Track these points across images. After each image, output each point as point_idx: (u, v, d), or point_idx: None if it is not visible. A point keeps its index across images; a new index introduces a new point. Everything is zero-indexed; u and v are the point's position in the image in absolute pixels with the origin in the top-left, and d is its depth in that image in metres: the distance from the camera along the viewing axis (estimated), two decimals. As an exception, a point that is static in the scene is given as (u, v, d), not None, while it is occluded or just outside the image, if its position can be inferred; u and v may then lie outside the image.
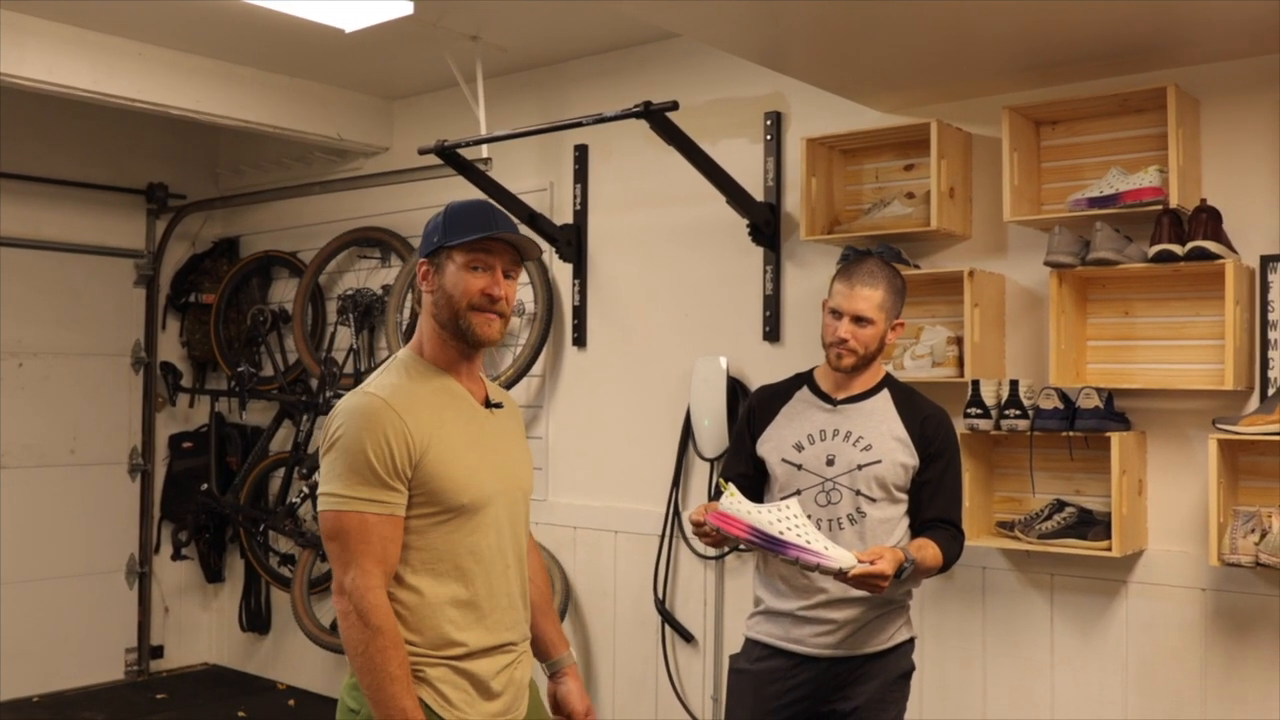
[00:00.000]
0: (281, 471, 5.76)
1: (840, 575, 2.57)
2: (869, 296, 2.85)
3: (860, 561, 2.58)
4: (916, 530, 2.86)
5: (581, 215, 4.70)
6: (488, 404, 2.33)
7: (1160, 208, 3.22)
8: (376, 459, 2.10)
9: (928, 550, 2.76)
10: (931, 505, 2.86)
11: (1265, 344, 3.25)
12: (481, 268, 2.22)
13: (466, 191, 4.70)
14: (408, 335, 5.12)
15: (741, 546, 3.74)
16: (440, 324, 2.25)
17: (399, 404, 2.15)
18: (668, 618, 4.39)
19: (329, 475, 2.14)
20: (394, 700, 2.07)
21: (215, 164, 6.36)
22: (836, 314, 2.88)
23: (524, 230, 4.60)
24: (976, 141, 3.74)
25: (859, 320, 2.85)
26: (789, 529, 2.56)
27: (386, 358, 5.15)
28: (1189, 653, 3.36)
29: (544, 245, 4.72)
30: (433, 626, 2.17)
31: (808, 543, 2.56)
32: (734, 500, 2.61)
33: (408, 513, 2.16)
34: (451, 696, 2.18)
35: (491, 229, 2.22)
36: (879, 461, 2.83)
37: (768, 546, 2.59)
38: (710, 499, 3.53)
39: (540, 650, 2.49)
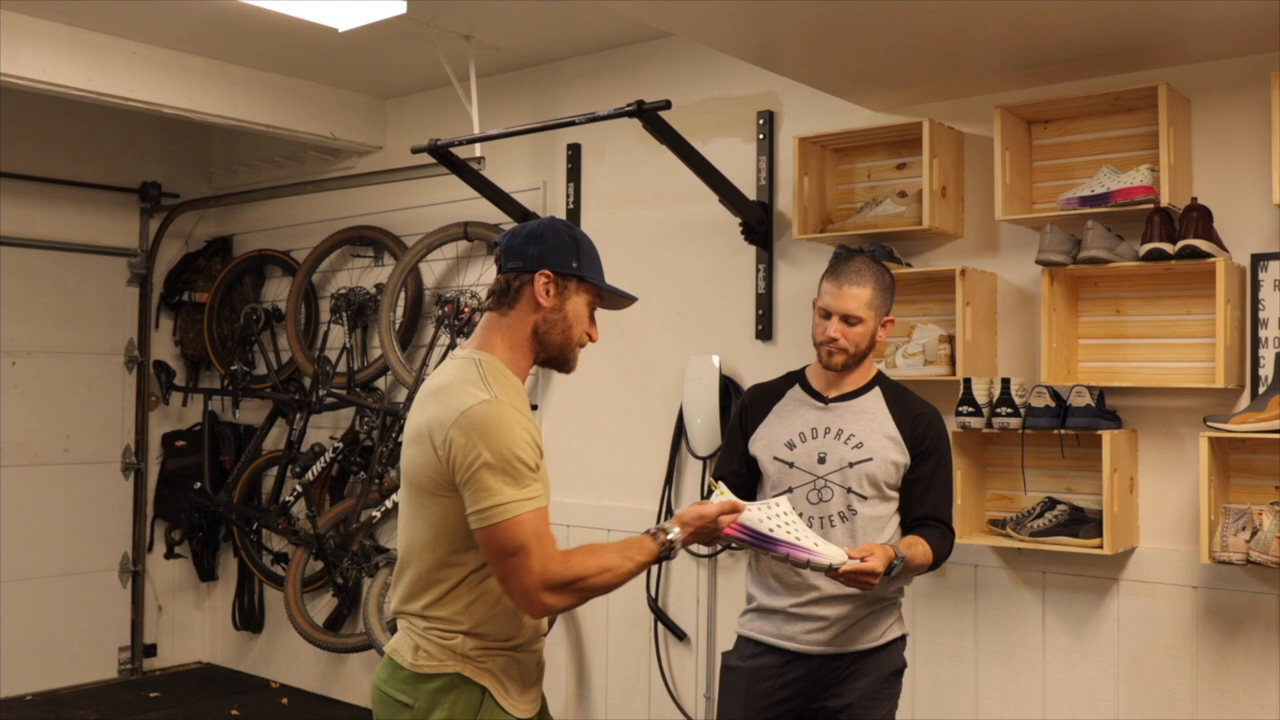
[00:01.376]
0: (275, 470, 5.76)
1: (831, 572, 2.58)
2: (857, 295, 2.86)
3: (851, 558, 2.59)
4: (907, 528, 2.87)
5: (574, 214, 4.70)
6: None
7: (1151, 206, 3.23)
8: (528, 459, 2.13)
9: (918, 548, 2.77)
10: (922, 503, 2.87)
11: (1256, 342, 3.26)
12: (594, 310, 2.34)
13: (460, 191, 4.72)
14: (402, 333, 5.15)
15: (733, 545, 3.75)
16: (541, 340, 2.28)
17: (521, 409, 2.20)
18: (660, 616, 4.39)
19: (492, 489, 2.09)
20: (636, 567, 2.21)
21: (209, 163, 6.36)
22: (825, 313, 2.89)
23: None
24: (968, 140, 3.75)
25: (848, 319, 2.86)
26: (779, 526, 2.57)
27: (380, 356, 5.21)
28: (1180, 650, 3.37)
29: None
30: (497, 617, 2.21)
31: (797, 540, 2.56)
32: (724, 497, 2.61)
33: None
34: (510, 688, 2.22)
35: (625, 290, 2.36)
36: (870, 459, 2.84)
37: (758, 544, 2.60)
38: (703, 497, 3.53)
39: None
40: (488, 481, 2.08)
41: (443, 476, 2.14)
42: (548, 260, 2.24)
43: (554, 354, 2.30)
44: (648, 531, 2.29)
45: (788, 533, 2.57)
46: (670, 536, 2.27)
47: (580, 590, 2.15)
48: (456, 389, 2.16)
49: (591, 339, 2.33)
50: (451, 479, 2.12)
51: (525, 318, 2.26)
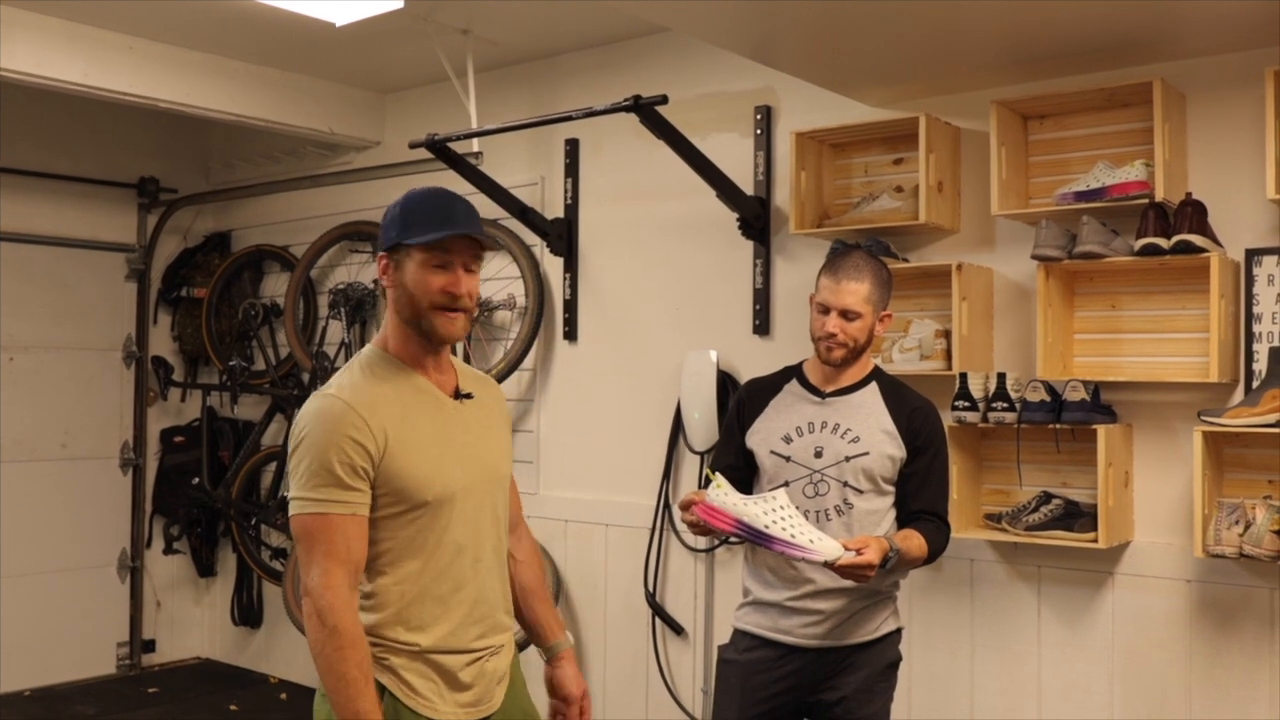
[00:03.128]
0: (273, 466, 5.77)
1: (827, 564, 2.59)
2: (855, 290, 2.86)
3: (847, 550, 2.60)
4: (903, 522, 2.88)
5: (572, 209, 4.71)
6: (457, 395, 2.31)
7: (1146, 201, 3.24)
8: (337, 461, 2.09)
9: (913, 541, 2.78)
10: (918, 497, 2.89)
11: (1250, 337, 3.27)
12: (442, 265, 2.19)
13: (458, 186, 4.70)
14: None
15: (731, 540, 3.76)
16: (403, 320, 2.23)
17: (359, 404, 2.14)
18: (658, 610, 4.41)
19: (293, 479, 2.14)
20: (349, 703, 2.05)
21: (207, 158, 6.36)
22: (824, 309, 2.89)
23: (518, 221, 4.64)
24: (965, 135, 3.76)
25: (846, 314, 2.87)
26: (775, 522, 2.58)
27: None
28: (1174, 643, 3.38)
29: (535, 239, 4.73)
30: (401, 619, 2.18)
31: (792, 537, 2.57)
32: (721, 492, 2.62)
33: (376, 511, 2.15)
34: (419, 687, 2.18)
35: (450, 226, 2.18)
36: (866, 454, 2.85)
37: (754, 540, 2.61)
38: (700, 488, 3.54)
39: (536, 635, 2.49)
40: (293, 473, 2.13)
41: None
42: (381, 245, 2.25)
43: (416, 328, 2.21)
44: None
45: (783, 529, 2.58)
46: None
47: (320, 637, 2.06)
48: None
49: (450, 293, 2.18)
50: None
51: (390, 306, 2.26)
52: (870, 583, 2.75)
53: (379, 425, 2.13)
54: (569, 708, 2.46)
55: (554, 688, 2.48)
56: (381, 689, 2.14)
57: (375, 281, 5.33)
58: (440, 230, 2.17)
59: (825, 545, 2.60)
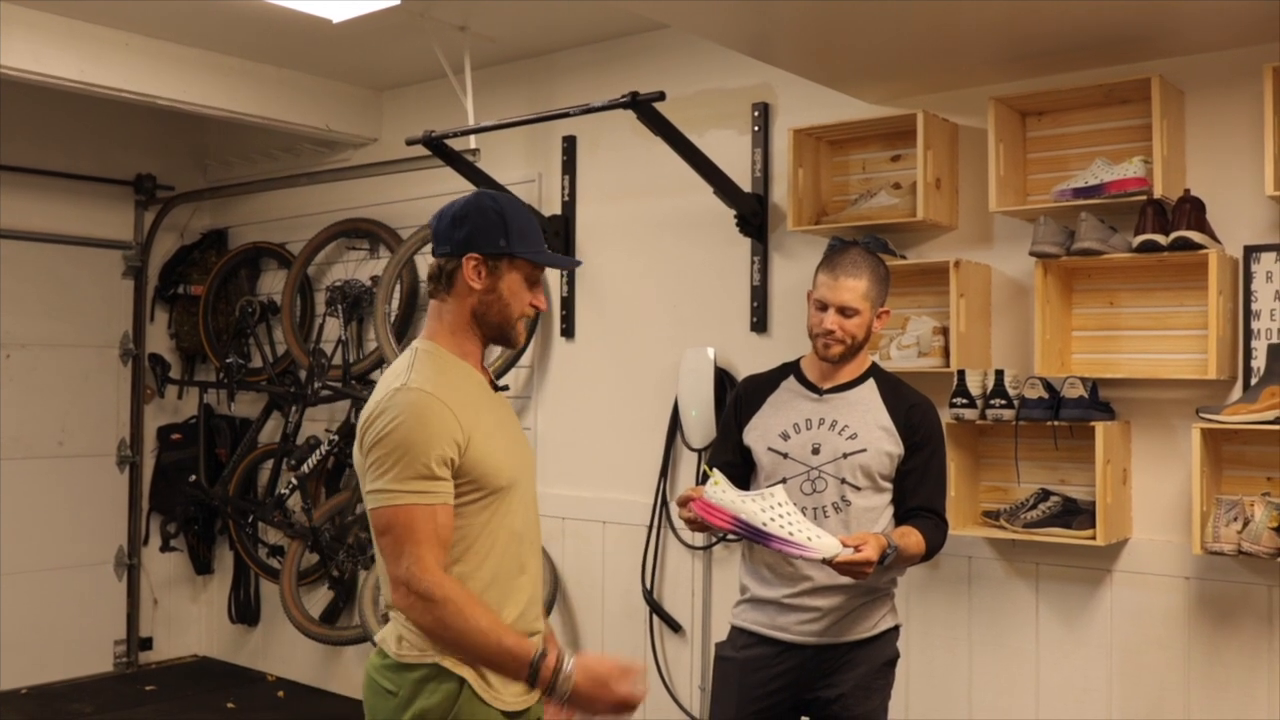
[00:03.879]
0: (270, 463, 5.76)
1: (825, 561, 2.59)
2: (854, 287, 2.86)
3: (846, 547, 2.59)
4: (900, 519, 2.88)
5: (570, 206, 4.70)
6: (494, 387, 2.38)
7: (1144, 198, 3.24)
8: (429, 453, 2.10)
9: (911, 538, 2.78)
10: (916, 494, 2.88)
11: (1248, 334, 3.27)
12: (537, 281, 2.30)
13: (455, 183, 4.71)
14: (397, 326, 5.14)
15: (729, 537, 3.76)
16: (480, 321, 2.26)
17: (444, 396, 2.16)
18: (656, 608, 4.40)
19: (378, 472, 2.13)
20: (496, 644, 2.10)
21: (203, 155, 6.35)
22: (822, 305, 2.89)
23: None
24: (963, 132, 3.75)
25: (845, 311, 2.86)
26: (774, 519, 2.57)
27: (375, 348, 5.20)
28: (1172, 640, 3.38)
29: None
30: None
31: (790, 535, 2.57)
32: (719, 489, 2.61)
33: (455, 499, 2.18)
34: (491, 680, 2.20)
35: (544, 245, 2.30)
36: (864, 450, 2.84)
37: (751, 537, 2.60)
38: (698, 484, 3.54)
39: None
40: (379, 464, 2.12)
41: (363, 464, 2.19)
42: (474, 243, 2.22)
43: (494, 333, 2.28)
44: (545, 658, 2.15)
45: (781, 527, 2.57)
46: (560, 671, 2.12)
47: (440, 617, 2.08)
48: (385, 381, 2.22)
49: (537, 308, 2.32)
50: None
51: (462, 302, 2.25)
52: (868, 580, 2.74)
53: (462, 416, 2.17)
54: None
55: None
56: (460, 682, 2.16)
57: (373, 278, 5.32)
58: (541, 249, 2.28)
59: (824, 542, 2.59)
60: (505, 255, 2.22)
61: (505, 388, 2.41)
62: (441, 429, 2.12)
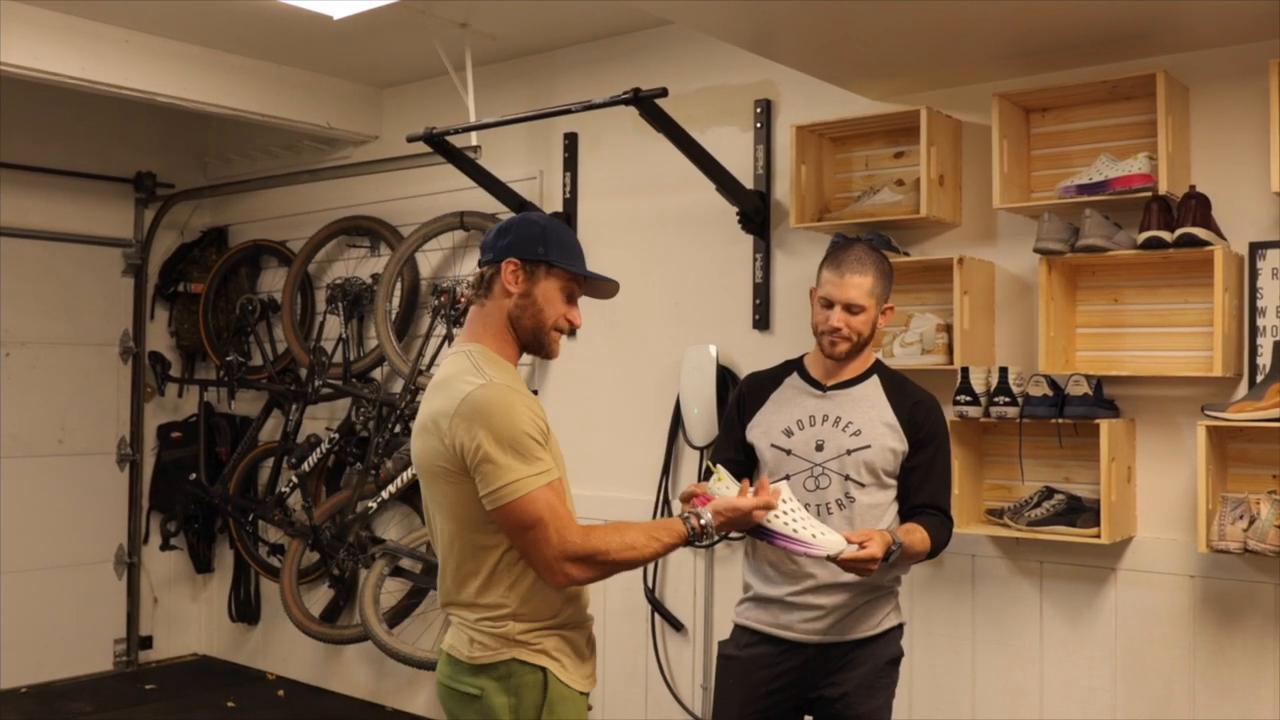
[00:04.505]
0: (271, 461, 5.75)
1: (830, 558, 2.57)
2: (859, 284, 2.85)
3: (850, 543, 2.58)
4: (905, 516, 2.87)
5: (571, 204, 4.69)
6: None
7: (1149, 194, 3.22)
8: (532, 437, 2.19)
9: (915, 535, 2.76)
10: (920, 491, 2.87)
11: (1254, 331, 3.25)
12: (572, 296, 2.39)
13: (456, 180, 4.71)
14: (398, 324, 5.13)
15: (730, 536, 3.74)
16: (516, 326, 2.35)
17: (519, 388, 2.27)
18: (658, 607, 4.39)
19: (501, 468, 2.16)
20: (655, 543, 2.28)
21: (204, 153, 6.34)
22: (827, 303, 2.87)
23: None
24: (966, 129, 3.74)
25: (850, 308, 2.85)
26: (779, 515, 2.56)
27: (376, 346, 5.19)
28: (1177, 639, 3.36)
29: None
30: (539, 597, 2.27)
31: (794, 532, 2.55)
32: (722, 485, 2.60)
33: None
34: (567, 664, 2.31)
35: (584, 264, 2.40)
36: (868, 447, 2.83)
37: (755, 534, 2.59)
38: (700, 481, 3.52)
39: None
40: (496, 461, 2.17)
41: (452, 463, 2.21)
42: (513, 249, 2.33)
43: (528, 339, 2.37)
44: (680, 515, 2.38)
45: (785, 524, 2.56)
46: (703, 521, 2.34)
47: (602, 564, 2.22)
48: (455, 380, 2.25)
49: (572, 323, 2.40)
50: (462, 465, 2.20)
51: (500, 306, 2.35)
52: (872, 577, 2.73)
53: (539, 407, 2.28)
54: None
55: None
56: (543, 671, 2.26)
57: (374, 276, 5.31)
58: (581, 264, 2.38)
59: (828, 539, 2.58)
60: (543, 262, 2.32)
61: (535, 391, 2.47)
62: (535, 415, 2.23)
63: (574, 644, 2.34)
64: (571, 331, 2.44)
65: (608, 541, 2.22)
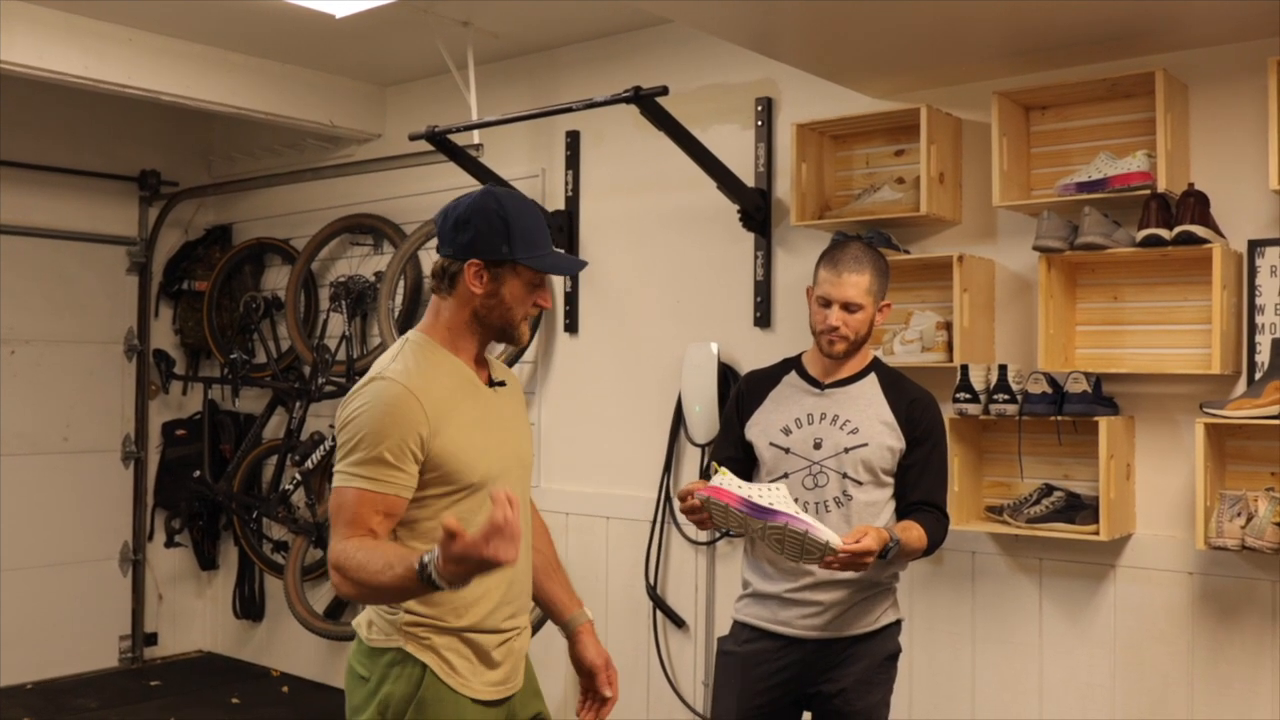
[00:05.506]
0: (274, 458, 5.76)
1: (824, 559, 2.57)
2: (857, 282, 2.85)
3: (845, 544, 2.58)
4: (902, 513, 2.88)
5: (573, 202, 4.70)
6: (491, 383, 2.37)
7: (1148, 192, 3.23)
8: (387, 441, 2.12)
9: (912, 532, 2.77)
10: (917, 488, 2.88)
11: (1252, 328, 3.26)
12: (540, 283, 2.30)
13: (459, 178, 4.71)
14: (401, 321, 5.15)
15: (732, 532, 3.75)
16: (482, 323, 2.28)
17: (416, 387, 2.18)
18: (659, 603, 4.40)
19: (340, 454, 2.18)
20: (387, 572, 1.99)
21: (208, 151, 6.35)
22: (825, 302, 2.88)
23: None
24: (966, 127, 3.74)
25: (848, 306, 2.86)
26: (778, 501, 2.57)
27: (379, 344, 5.20)
28: (1176, 636, 3.37)
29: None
30: (445, 596, 2.18)
31: (796, 513, 2.56)
32: (725, 478, 2.61)
33: (424, 491, 2.20)
34: (458, 666, 2.24)
35: (552, 247, 2.30)
36: (865, 445, 2.84)
37: (757, 515, 2.58)
38: (702, 479, 3.54)
39: (554, 612, 2.52)
40: (340, 449, 2.17)
41: None
42: (475, 248, 2.21)
43: (496, 334, 2.31)
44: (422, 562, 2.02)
45: (787, 508, 2.57)
46: (425, 559, 1.94)
47: (347, 579, 2.06)
48: (374, 367, 2.25)
49: (541, 307, 2.33)
50: None
51: (463, 304, 2.26)
52: (870, 574, 2.74)
53: (432, 409, 2.18)
54: (596, 677, 2.49)
55: (578, 662, 2.51)
56: (423, 667, 2.20)
57: (377, 274, 5.32)
58: (546, 251, 2.26)
59: (827, 532, 2.58)
60: (507, 262, 2.22)
61: (502, 384, 2.40)
62: (405, 419, 2.13)
63: (477, 649, 2.26)
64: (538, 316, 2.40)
65: (350, 556, 2.05)
